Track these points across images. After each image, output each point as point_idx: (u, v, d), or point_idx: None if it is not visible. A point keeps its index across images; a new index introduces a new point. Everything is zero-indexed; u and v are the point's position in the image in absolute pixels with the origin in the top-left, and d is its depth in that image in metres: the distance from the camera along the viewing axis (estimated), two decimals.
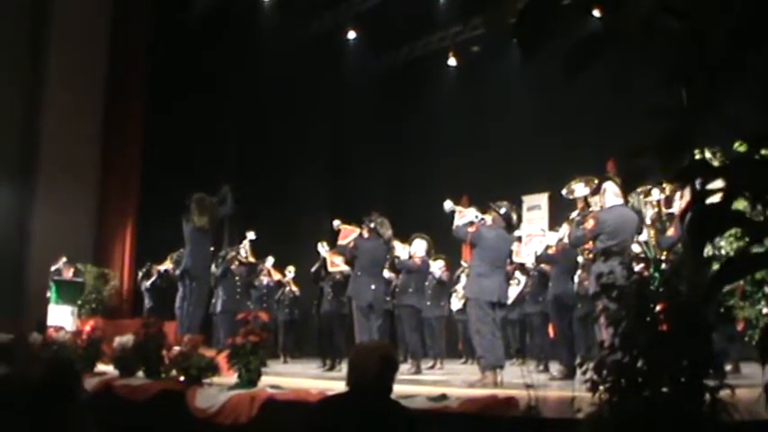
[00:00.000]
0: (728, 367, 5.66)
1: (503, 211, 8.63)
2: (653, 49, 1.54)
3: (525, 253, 11.59)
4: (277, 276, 14.92)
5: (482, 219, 8.74)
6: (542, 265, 10.91)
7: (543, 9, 1.62)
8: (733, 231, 4.92)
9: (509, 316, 12.08)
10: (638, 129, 1.60)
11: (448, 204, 9.19)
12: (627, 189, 7.32)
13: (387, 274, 11.98)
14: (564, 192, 9.26)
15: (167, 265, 13.63)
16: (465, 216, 8.85)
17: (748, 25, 1.39)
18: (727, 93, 1.45)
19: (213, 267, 12.48)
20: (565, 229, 9.53)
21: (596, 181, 8.52)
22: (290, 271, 15.10)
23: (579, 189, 9.01)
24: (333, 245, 11.87)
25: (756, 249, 1.51)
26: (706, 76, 1.44)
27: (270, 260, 14.76)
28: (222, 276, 12.76)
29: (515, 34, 1.65)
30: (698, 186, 1.46)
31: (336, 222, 11.20)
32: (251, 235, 13.53)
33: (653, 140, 1.49)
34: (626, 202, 7.85)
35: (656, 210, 8.40)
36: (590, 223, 7.88)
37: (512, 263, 11.25)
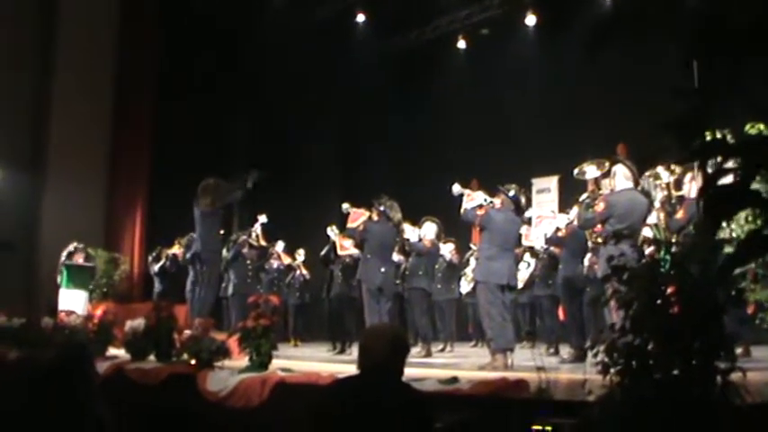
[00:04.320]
0: (739, 350, 5.63)
1: (511, 193, 8.62)
2: (675, 29, 1.54)
3: (535, 235, 11.56)
4: (287, 260, 14.95)
5: (491, 202, 8.74)
6: (552, 248, 10.90)
7: None
8: (744, 214, 4.91)
9: (519, 299, 12.09)
10: (649, 111, 1.60)
11: (456, 188, 9.17)
12: (642, 168, 7.30)
13: (396, 257, 11.98)
14: (575, 172, 9.25)
15: (176, 250, 13.66)
16: (473, 199, 8.84)
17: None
18: (748, 74, 1.44)
19: (224, 251, 12.51)
20: (575, 212, 9.52)
21: (607, 164, 8.49)
22: (300, 254, 15.12)
23: (591, 171, 8.99)
24: (342, 228, 11.88)
25: None
26: (728, 57, 1.43)
27: (280, 244, 14.78)
28: (233, 260, 12.80)
29: (544, 23, 1.66)
30: (714, 166, 1.45)
31: (345, 206, 11.20)
32: (262, 218, 13.53)
33: (669, 120, 1.48)
34: (636, 185, 7.83)
35: (666, 192, 8.38)
36: (600, 206, 7.86)
37: (520, 246, 11.25)
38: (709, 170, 1.47)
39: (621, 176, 7.69)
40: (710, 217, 1.46)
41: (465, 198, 8.96)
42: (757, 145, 1.41)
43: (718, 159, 1.44)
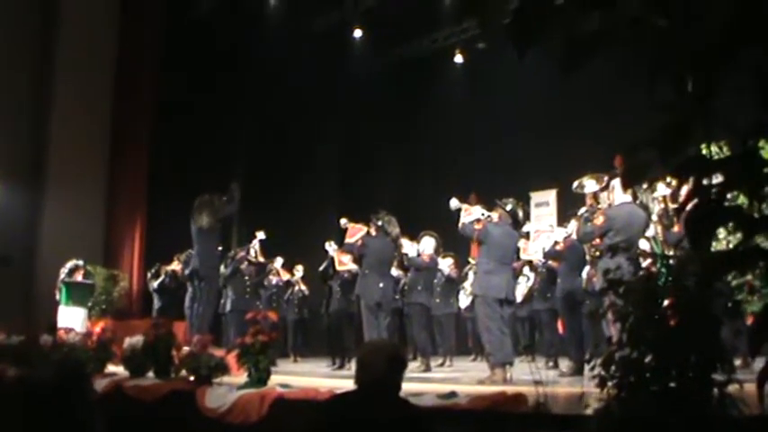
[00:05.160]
0: (738, 362, 5.63)
1: (509, 207, 8.64)
2: (643, 47, 1.55)
3: (533, 249, 11.59)
4: (286, 276, 14.92)
5: (488, 216, 8.75)
6: (550, 262, 10.91)
7: (537, 9, 1.63)
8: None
9: (518, 313, 12.08)
10: (646, 124, 1.61)
11: (454, 202, 9.20)
12: (628, 183, 7.31)
13: (395, 272, 11.99)
14: (574, 186, 9.26)
15: (175, 266, 13.65)
16: (471, 214, 8.85)
17: (737, 22, 1.40)
18: (718, 88, 1.45)
19: (222, 267, 12.50)
20: (573, 226, 9.54)
21: (606, 178, 8.51)
22: (299, 270, 15.10)
23: (590, 185, 9.01)
24: (340, 244, 11.87)
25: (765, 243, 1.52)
26: (698, 72, 1.45)
27: (279, 260, 14.76)
28: (231, 276, 12.77)
29: (509, 34, 1.66)
30: (695, 182, 1.47)
31: (344, 221, 11.20)
32: (261, 235, 13.54)
33: (654, 134, 1.50)
34: (635, 199, 7.86)
35: (663, 205, 8.40)
36: (599, 220, 7.89)
37: (519, 260, 11.26)
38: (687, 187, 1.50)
39: (620, 190, 7.72)
40: (690, 232, 1.47)
41: (463, 213, 8.99)
42: (735, 161, 1.43)
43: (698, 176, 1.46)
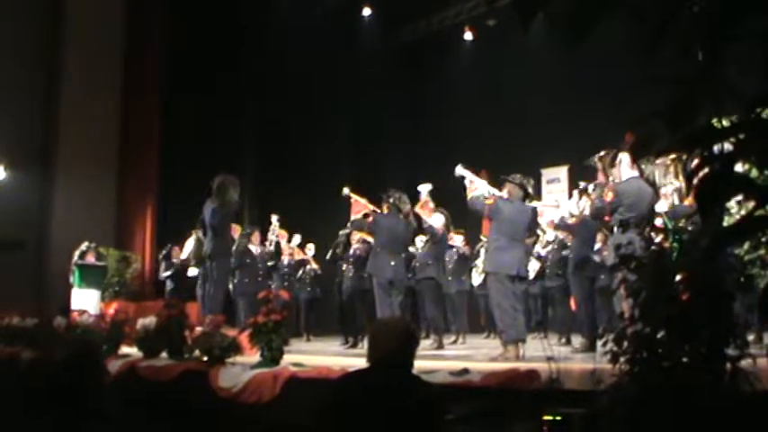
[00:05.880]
0: (751, 337, 5.61)
1: (517, 180, 8.58)
2: (647, 16, 1.53)
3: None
4: (299, 256, 14.86)
5: (492, 194, 8.65)
6: (561, 236, 10.92)
7: None
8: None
9: (531, 290, 12.06)
10: (657, 98, 1.58)
11: (459, 169, 9.08)
12: (636, 157, 7.27)
13: (411, 248, 11.97)
14: (595, 160, 9.12)
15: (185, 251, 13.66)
16: (476, 189, 8.77)
17: None
18: (724, 58, 1.44)
19: (234, 247, 12.49)
20: (576, 199, 9.53)
21: (614, 152, 8.44)
22: (311, 249, 15.05)
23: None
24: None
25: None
26: (703, 42, 1.43)
27: (296, 238, 14.67)
28: (243, 257, 12.76)
29: (515, 7, 1.65)
30: (702, 152, 1.46)
31: (346, 190, 11.09)
32: (275, 218, 13.62)
33: (662, 107, 1.49)
34: (641, 173, 7.82)
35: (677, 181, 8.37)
36: (609, 195, 7.85)
37: (533, 235, 11.22)
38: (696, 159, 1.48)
39: (626, 165, 7.69)
40: (700, 204, 1.45)
41: (468, 184, 8.90)
42: (742, 130, 1.41)
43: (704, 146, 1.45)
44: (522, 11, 1.63)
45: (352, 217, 10.80)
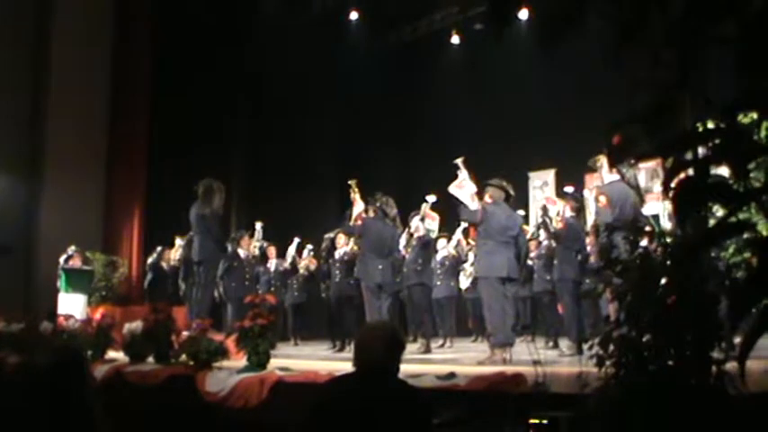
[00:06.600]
0: (737, 340, 5.64)
1: (495, 182, 8.63)
2: (618, 22, 1.54)
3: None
4: (289, 259, 14.68)
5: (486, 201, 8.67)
6: (546, 242, 10.97)
7: None
8: None
9: (519, 293, 12.07)
10: (640, 102, 1.59)
11: (460, 162, 9.10)
12: (614, 162, 7.32)
13: (403, 252, 11.98)
14: (592, 163, 9.12)
15: (174, 256, 13.66)
16: (463, 187, 8.77)
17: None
18: (696, 63, 1.45)
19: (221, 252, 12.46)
20: (561, 206, 9.62)
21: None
22: (307, 249, 14.85)
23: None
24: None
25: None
26: (673, 48, 1.44)
27: (294, 242, 14.57)
28: (231, 261, 12.73)
29: (486, 18, 1.67)
30: (678, 157, 1.46)
31: (352, 183, 10.84)
32: (259, 225, 13.63)
33: (635, 112, 1.50)
34: (622, 177, 7.86)
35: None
36: (602, 199, 7.90)
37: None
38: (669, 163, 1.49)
39: (607, 168, 7.78)
40: (676, 209, 1.46)
41: (458, 181, 8.89)
42: (717, 135, 1.41)
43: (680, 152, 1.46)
44: (494, 23, 1.65)
45: (354, 211, 10.59)
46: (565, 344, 9.72)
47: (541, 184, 16.35)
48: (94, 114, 15.99)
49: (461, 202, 8.77)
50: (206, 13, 16.01)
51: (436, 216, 12.18)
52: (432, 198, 11.71)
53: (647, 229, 4.10)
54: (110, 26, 16.34)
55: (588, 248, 9.89)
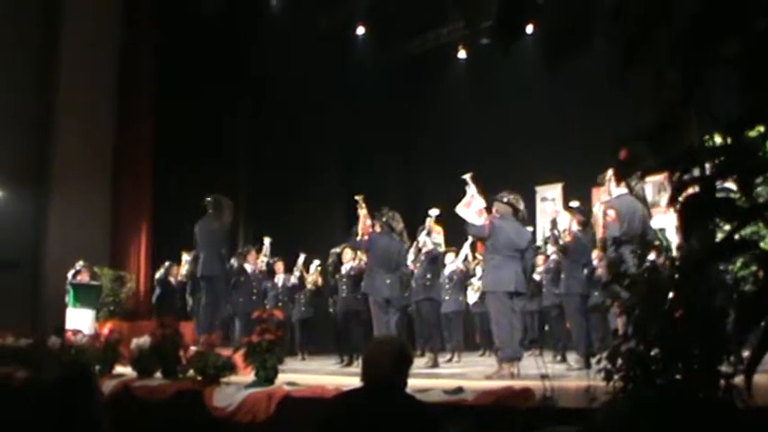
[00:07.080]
0: (746, 353, 5.62)
1: (505, 200, 8.61)
2: (623, 39, 1.55)
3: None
4: (296, 274, 14.71)
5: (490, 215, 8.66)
6: (555, 257, 10.94)
7: (520, 8, 1.64)
8: None
9: (528, 307, 12.06)
10: (645, 120, 1.60)
11: (468, 178, 9.08)
12: (620, 177, 7.32)
13: (411, 266, 11.97)
14: (607, 177, 9.12)
15: (182, 272, 13.70)
16: (472, 203, 8.75)
17: (711, 16, 1.40)
18: (701, 81, 1.45)
19: (230, 265, 12.48)
20: (567, 218, 9.61)
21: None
22: (314, 264, 14.89)
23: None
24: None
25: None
26: (677, 65, 1.45)
27: (301, 257, 14.61)
28: (238, 276, 12.75)
29: (493, 34, 1.67)
30: (684, 173, 1.47)
31: (359, 198, 10.80)
32: (267, 241, 13.63)
33: (641, 129, 1.51)
34: (630, 190, 7.85)
35: None
36: (611, 214, 7.88)
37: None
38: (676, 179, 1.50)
39: (613, 182, 7.77)
40: (683, 225, 1.47)
41: (468, 197, 8.87)
42: (723, 152, 1.42)
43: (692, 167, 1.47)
44: (500, 39, 1.66)
45: (361, 226, 10.58)
46: (573, 358, 9.70)
47: (549, 198, 16.33)
48: (100, 116, 16.02)
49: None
50: (212, 24, 16.02)
51: (440, 229, 12.16)
52: (435, 212, 11.72)
53: (655, 243, 4.10)
54: (116, 37, 16.39)
55: (595, 262, 9.89)
